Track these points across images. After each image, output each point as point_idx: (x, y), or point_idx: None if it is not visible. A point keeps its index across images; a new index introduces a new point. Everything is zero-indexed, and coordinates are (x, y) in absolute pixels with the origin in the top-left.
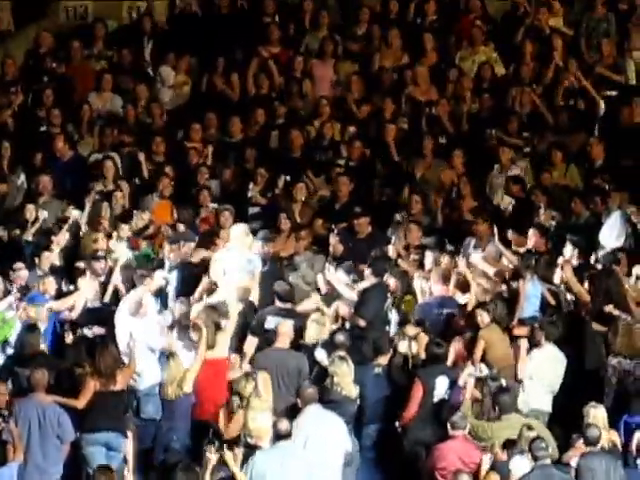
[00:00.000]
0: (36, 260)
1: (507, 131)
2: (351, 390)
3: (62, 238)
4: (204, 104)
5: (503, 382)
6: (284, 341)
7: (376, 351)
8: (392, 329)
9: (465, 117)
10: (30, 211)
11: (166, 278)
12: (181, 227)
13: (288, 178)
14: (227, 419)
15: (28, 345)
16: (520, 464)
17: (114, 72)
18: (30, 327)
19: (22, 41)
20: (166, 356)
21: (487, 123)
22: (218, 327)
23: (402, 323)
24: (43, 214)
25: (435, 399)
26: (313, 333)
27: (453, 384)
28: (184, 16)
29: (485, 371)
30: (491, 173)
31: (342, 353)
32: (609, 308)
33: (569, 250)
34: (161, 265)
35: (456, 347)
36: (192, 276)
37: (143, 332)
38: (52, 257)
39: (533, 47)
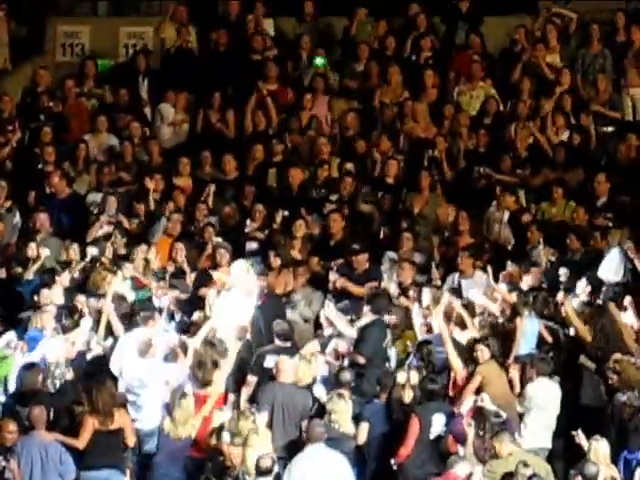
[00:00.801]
0: (35, 297)
1: (500, 169)
2: (349, 427)
3: (65, 278)
4: (200, 142)
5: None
6: (286, 377)
7: (378, 388)
8: (392, 365)
9: (462, 154)
10: (32, 249)
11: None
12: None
13: (286, 213)
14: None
15: (28, 383)
16: None
17: (106, 110)
18: (29, 365)
19: (19, 78)
20: (179, 396)
21: (483, 160)
22: (215, 365)
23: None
24: (45, 252)
25: (432, 436)
26: (301, 372)
27: (450, 419)
28: (180, 53)
29: (487, 401)
30: (488, 210)
31: (341, 390)
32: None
33: (582, 285)
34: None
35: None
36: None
37: (155, 373)
38: (52, 295)
39: (530, 83)
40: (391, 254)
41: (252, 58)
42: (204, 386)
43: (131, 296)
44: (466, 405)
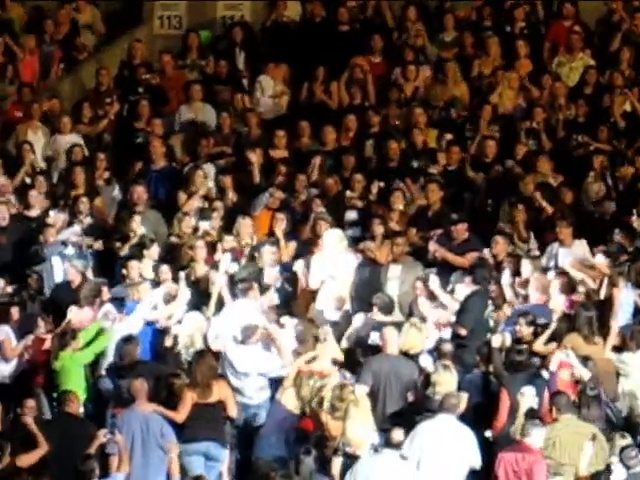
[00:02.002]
0: (124, 271)
1: (597, 138)
2: None
3: (155, 252)
4: (299, 114)
5: (602, 393)
6: (393, 348)
7: (478, 358)
8: None
9: (561, 124)
10: (137, 222)
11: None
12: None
13: (382, 184)
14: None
15: (126, 355)
16: (618, 473)
17: (207, 82)
18: (127, 338)
19: (117, 52)
20: (307, 374)
21: (582, 130)
22: (317, 340)
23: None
24: (141, 229)
25: (524, 409)
26: (412, 339)
27: (540, 388)
28: (278, 25)
29: (572, 356)
30: (586, 180)
31: (446, 362)
32: None
33: None
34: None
35: None
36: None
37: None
38: (142, 267)
39: (630, 53)
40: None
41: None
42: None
43: (233, 268)
44: (554, 361)
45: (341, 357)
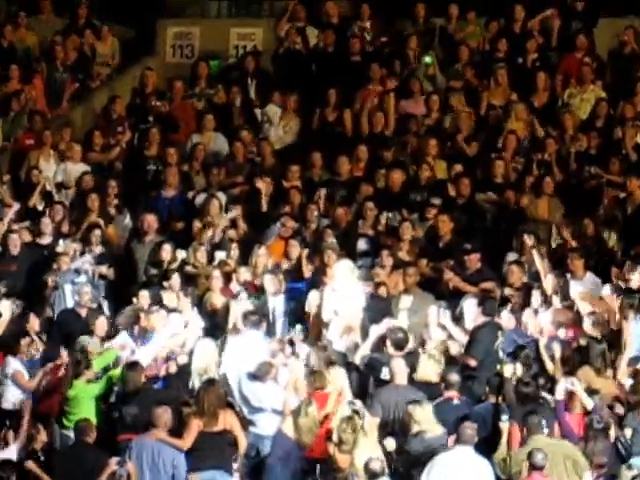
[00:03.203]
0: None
1: (609, 170)
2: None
3: (176, 281)
4: (310, 143)
5: (612, 424)
6: (402, 378)
7: (487, 389)
8: None
9: (573, 156)
10: (166, 251)
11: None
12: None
13: (390, 215)
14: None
15: (130, 382)
16: None
17: (216, 111)
18: (131, 364)
19: (129, 80)
20: (305, 403)
21: (594, 162)
22: (331, 364)
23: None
24: (181, 254)
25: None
26: (429, 370)
27: (549, 419)
28: (290, 53)
29: (577, 385)
30: (598, 213)
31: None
32: None
33: None
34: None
35: None
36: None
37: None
38: (165, 296)
39: None
40: (512, 255)
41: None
42: (320, 390)
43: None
44: (559, 389)
45: (349, 394)
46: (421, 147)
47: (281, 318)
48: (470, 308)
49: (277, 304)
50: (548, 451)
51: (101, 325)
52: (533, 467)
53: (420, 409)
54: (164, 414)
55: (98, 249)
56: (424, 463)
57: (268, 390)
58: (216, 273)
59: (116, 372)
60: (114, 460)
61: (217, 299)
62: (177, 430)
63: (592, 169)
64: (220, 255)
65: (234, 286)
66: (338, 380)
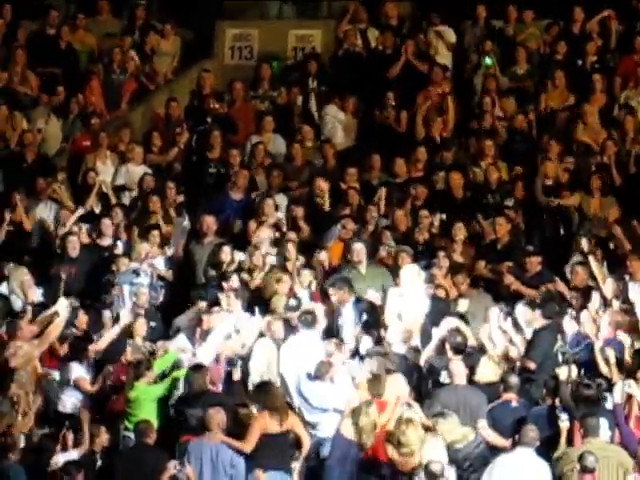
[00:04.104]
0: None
1: None
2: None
3: (235, 281)
4: (368, 145)
5: None
6: (461, 379)
7: (546, 393)
8: None
9: (632, 159)
10: (226, 253)
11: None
12: None
13: (444, 217)
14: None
15: (195, 384)
16: None
17: (278, 113)
18: (196, 366)
19: (187, 82)
20: (365, 404)
21: None
22: (389, 372)
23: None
24: (239, 255)
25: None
26: (489, 372)
27: (611, 421)
28: (348, 55)
29: (634, 387)
30: None
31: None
32: None
33: None
34: None
35: None
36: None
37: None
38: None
39: None
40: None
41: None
42: (377, 397)
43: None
44: (617, 392)
45: (405, 395)
46: (479, 148)
47: (350, 322)
48: (521, 315)
49: (345, 311)
50: (602, 456)
51: (141, 327)
52: (583, 470)
53: (443, 421)
54: (216, 415)
55: (170, 251)
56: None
57: (328, 389)
58: (285, 277)
59: (178, 374)
60: (173, 463)
61: (283, 302)
62: (233, 432)
63: None
64: (239, 256)
65: (298, 289)
66: (397, 387)
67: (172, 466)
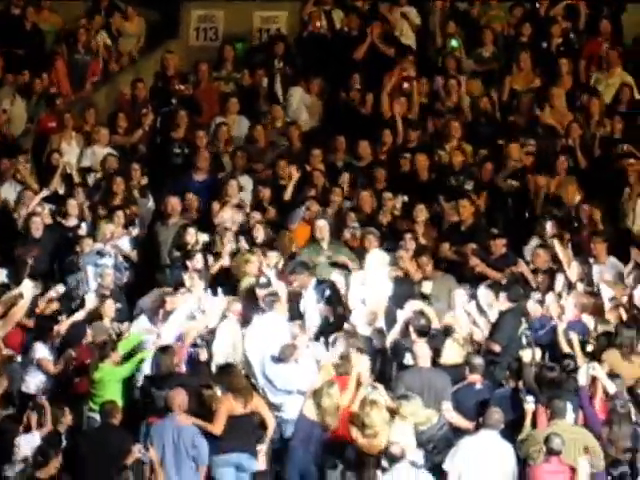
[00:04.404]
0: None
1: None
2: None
3: (198, 262)
4: (333, 127)
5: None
6: (425, 361)
7: (510, 375)
8: None
9: (597, 141)
10: (191, 234)
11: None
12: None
13: (406, 199)
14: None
15: (162, 365)
16: None
17: (243, 94)
18: (163, 348)
19: (151, 63)
20: (327, 384)
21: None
22: (359, 351)
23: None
24: (203, 237)
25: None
26: (454, 354)
27: (575, 403)
28: (313, 37)
29: (599, 370)
30: (622, 198)
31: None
32: None
33: None
34: None
35: None
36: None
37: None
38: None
39: None
40: (535, 240)
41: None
42: (345, 375)
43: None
44: (581, 375)
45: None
46: (445, 130)
47: (312, 303)
48: (483, 298)
49: (307, 294)
50: (568, 438)
51: (109, 308)
52: (550, 451)
53: (406, 403)
54: (178, 396)
55: (135, 232)
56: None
57: (293, 371)
58: (254, 258)
59: (144, 355)
60: (137, 447)
61: (251, 283)
62: (198, 413)
63: (625, 147)
64: (203, 237)
65: (265, 270)
66: (361, 366)
67: (136, 450)
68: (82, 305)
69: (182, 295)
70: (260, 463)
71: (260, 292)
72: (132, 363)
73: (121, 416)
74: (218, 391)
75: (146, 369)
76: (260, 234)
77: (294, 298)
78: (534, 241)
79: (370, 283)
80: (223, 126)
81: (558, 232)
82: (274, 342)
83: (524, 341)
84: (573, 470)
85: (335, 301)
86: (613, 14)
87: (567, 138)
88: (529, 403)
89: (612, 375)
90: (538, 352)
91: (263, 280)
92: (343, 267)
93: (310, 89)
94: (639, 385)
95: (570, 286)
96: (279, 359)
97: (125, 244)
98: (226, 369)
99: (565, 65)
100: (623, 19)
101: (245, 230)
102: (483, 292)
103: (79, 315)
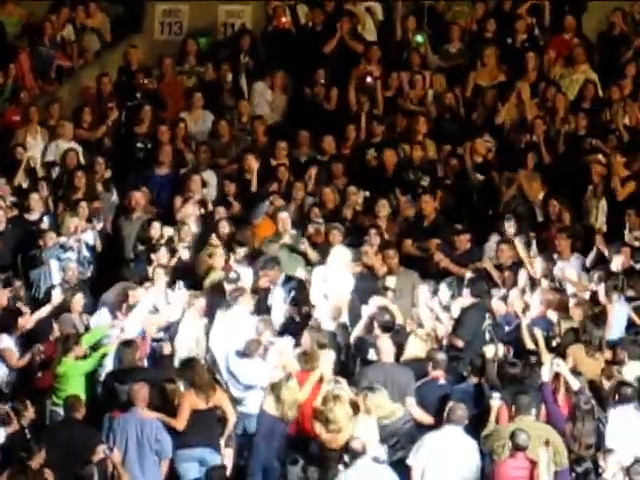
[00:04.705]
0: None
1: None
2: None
3: (163, 255)
4: (297, 121)
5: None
6: (388, 356)
7: (472, 371)
8: None
9: (562, 137)
10: (155, 229)
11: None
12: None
13: (367, 194)
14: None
15: (125, 360)
16: None
17: (206, 88)
18: (126, 342)
19: (116, 57)
20: (285, 377)
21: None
22: (322, 347)
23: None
24: (168, 231)
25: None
26: (416, 350)
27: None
28: (278, 32)
29: (562, 366)
30: (585, 195)
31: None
32: None
33: None
34: None
35: None
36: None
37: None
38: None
39: (637, 69)
40: (495, 237)
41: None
42: (310, 371)
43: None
44: (545, 371)
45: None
46: (410, 126)
47: (280, 300)
48: (443, 295)
49: (275, 290)
50: (533, 434)
51: (78, 303)
52: (516, 447)
53: (372, 395)
54: (141, 390)
55: (99, 225)
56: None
57: (256, 367)
58: (219, 251)
59: (107, 349)
60: (102, 447)
61: (219, 276)
62: (161, 408)
63: (593, 141)
64: (168, 231)
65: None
66: (324, 362)
67: (101, 450)
68: (48, 300)
69: (146, 289)
70: (227, 458)
71: (228, 287)
72: (94, 358)
73: (84, 411)
74: (181, 386)
75: (109, 364)
76: (225, 229)
77: (262, 293)
78: (494, 238)
79: (333, 278)
80: (181, 122)
81: (517, 231)
82: (239, 337)
83: (487, 337)
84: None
85: (301, 301)
86: (575, 12)
87: (531, 134)
88: (494, 399)
89: (575, 372)
90: (501, 348)
91: (233, 275)
92: (304, 256)
93: (273, 83)
94: (601, 382)
95: (534, 283)
96: (244, 354)
97: (90, 237)
98: (189, 364)
99: (532, 59)
100: (584, 17)
101: (210, 225)
102: (443, 289)
103: (45, 310)
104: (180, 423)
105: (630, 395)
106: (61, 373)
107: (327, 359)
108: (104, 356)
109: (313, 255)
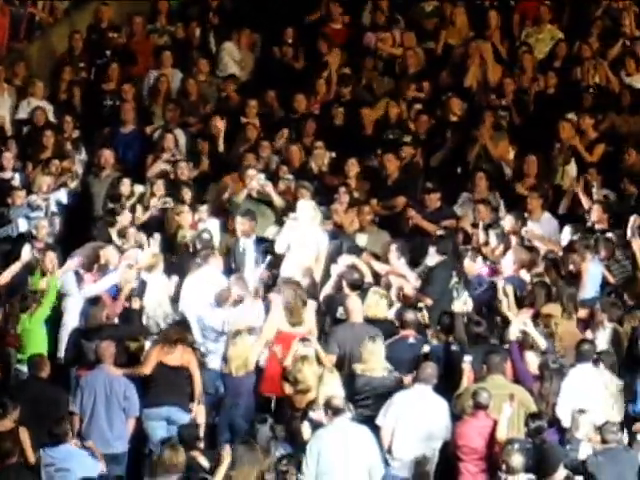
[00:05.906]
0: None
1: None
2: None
3: (126, 217)
4: (266, 80)
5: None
6: (357, 316)
7: (440, 329)
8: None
9: (531, 97)
10: (125, 186)
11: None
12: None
13: (334, 154)
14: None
15: (92, 317)
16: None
17: (176, 47)
18: (93, 300)
19: (85, 15)
20: (233, 333)
21: (553, 103)
22: (304, 303)
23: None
24: (139, 188)
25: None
26: (375, 306)
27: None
28: None
29: (530, 326)
30: (552, 153)
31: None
32: None
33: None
34: None
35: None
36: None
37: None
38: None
39: (603, 27)
40: (466, 194)
41: None
42: (294, 326)
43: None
44: (513, 330)
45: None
46: (378, 85)
47: (251, 260)
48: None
49: (247, 246)
50: (503, 393)
51: (50, 261)
52: (477, 406)
53: (372, 344)
54: (108, 348)
55: (73, 184)
56: (372, 404)
57: (230, 314)
58: (186, 209)
59: (50, 292)
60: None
61: (188, 234)
62: (126, 365)
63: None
64: (139, 189)
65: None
66: (310, 318)
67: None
68: (17, 257)
69: (116, 249)
70: (199, 415)
71: (199, 246)
72: (46, 302)
73: (49, 369)
74: (147, 343)
75: (74, 321)
76: (187, 195)
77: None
78: (464, 196)
79: (301, 234)
80: (162, 78)
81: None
82: (210, 295)
83: (455, 294)
84: None
85: (276, 264)
86: None
87: (500, 94)
88: (466, 362)
89: (548, 335)
90: (470, 304)
91: (206, 236)
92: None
93: (241, 42)
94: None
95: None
96: (215, 304)
97: (63, 196)
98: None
99: (494, 18)
100: None
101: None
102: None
103: (15, 267)
104: (145, 369)
105: (589, 353)
106: (22, 330)
107: (311, 312)
108: (52, 302)
109: (278, 201)
